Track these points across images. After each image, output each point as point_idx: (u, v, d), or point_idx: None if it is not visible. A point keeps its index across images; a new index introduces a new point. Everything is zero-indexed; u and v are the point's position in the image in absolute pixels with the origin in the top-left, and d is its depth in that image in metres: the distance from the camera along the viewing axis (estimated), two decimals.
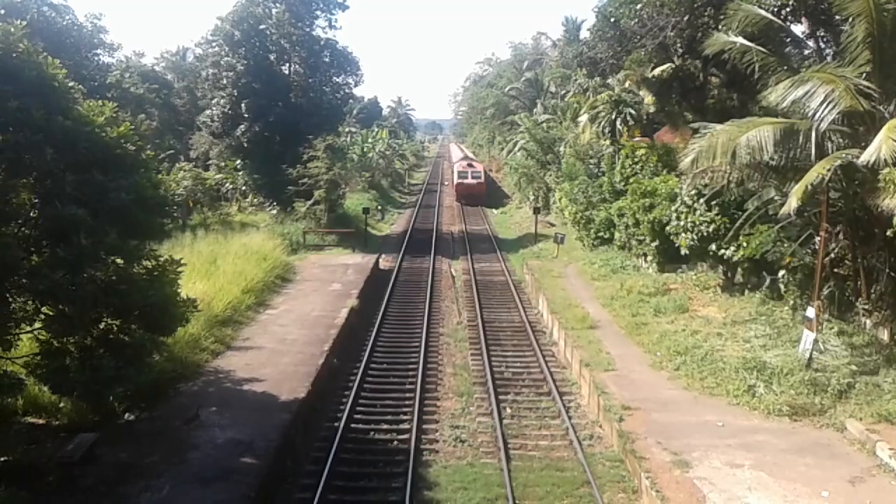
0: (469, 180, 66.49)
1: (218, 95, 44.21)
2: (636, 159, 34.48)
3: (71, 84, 13.96)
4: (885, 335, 19.07)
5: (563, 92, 60.68)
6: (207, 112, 45.81)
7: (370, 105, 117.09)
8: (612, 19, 37.97)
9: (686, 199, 26.13)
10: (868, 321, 19.72)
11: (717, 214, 24.88)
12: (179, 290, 15.37)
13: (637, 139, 37.25)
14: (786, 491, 13.10)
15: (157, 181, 15.61)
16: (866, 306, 19.48)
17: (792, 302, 21.71)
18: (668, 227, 27.66)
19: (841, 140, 18.36)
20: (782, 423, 16.13)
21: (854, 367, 17.80)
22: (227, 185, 48.34)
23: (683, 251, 26.98)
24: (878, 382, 17.13)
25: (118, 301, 13.63)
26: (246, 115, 42.95)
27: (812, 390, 17.02)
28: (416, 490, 14.16)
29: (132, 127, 14.67)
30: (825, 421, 16.06)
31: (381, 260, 36.32)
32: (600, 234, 36.90)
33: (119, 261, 14.09)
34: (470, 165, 69.28)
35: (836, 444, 15.10)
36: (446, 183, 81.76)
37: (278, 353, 20.60)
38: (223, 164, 49.20)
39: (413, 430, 16.69)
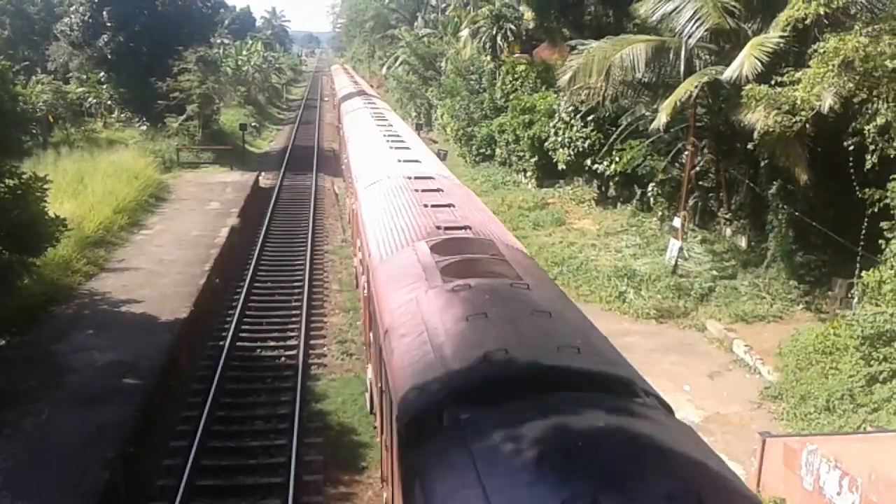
0: None
1: (76, 2, 40.94)
2: (516, 76, 34.83)
3: None
4: (742, 242, 20.57)
5: (444, 5, 59.83)
6: (65, 20, 42.34)
7: (242, 16, 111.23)
8: None
9: (564, 115, 26.78)
10: (728, 230, 21.20)
11: (592, 130, 25.69)
12: (47, 209, 14.62)
13: (517, 55, 37.49)
14: (652, 386, 14.15)
15: (14, 94, 14.60)
16: (727, 216, 20.91)
17: (660, 213, 22.97)
18: (546, 143, 28.36)
19: (708, 57, 19.23)
20: (650, 325, 17.32)
21: (715, 273, 19.25)
22: (91, 99, 45.34)
23: (561, 166, 27.84)
24: (735, 286, 18.61)
25: None
26: (108, 24, 40.03)
27: (677, 295, 18.30)
28: (305, 402, 14.39)
29: None
30: (688, 322, 17.37)
31: (261, 178, 35.46)
32: (482, 150, 37.38)
33: None
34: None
35: (698, 343, 16.40)
36: (326, 98, 78.40)
37: (157, 274, 20.05)
38: (85, 77, 45.99)
39: (301, 346, 16.78)
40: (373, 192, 15.61)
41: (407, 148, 20.96)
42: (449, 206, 12.93)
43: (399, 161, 18.10)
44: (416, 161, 18.38)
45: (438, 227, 11.15)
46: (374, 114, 31.46)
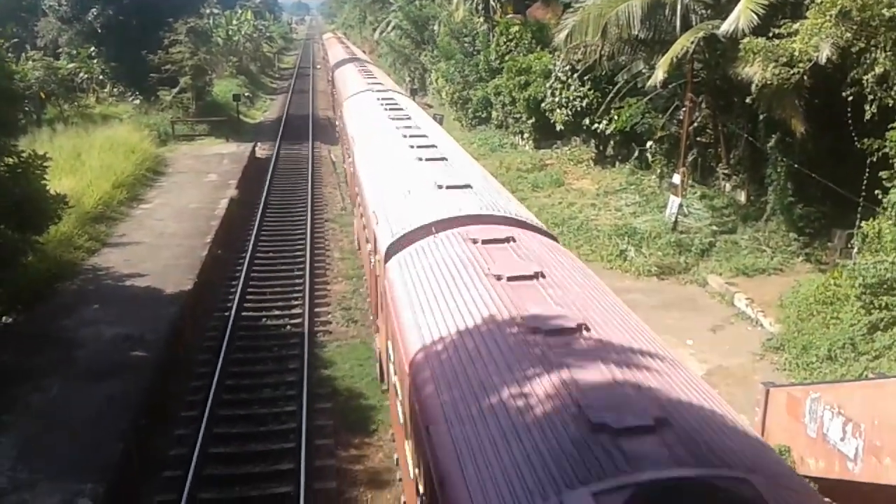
0: None
1: None
2: (510, 36, 34.51)
3: None
4: (742, 197, 20.60)
5: None
6: None
7: None
8: None
9: (560, 75, 26.65)
10: (727, 184, 21.22)
11: (589, 89, 25.60)
12: (48, 186, 14.62)
13: (510, 16, 37.12)
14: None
15: (11, 71, 14.50)
16: (726, 171, 20.92)
17: (659, 170, 22.98)
18: (543, 104, 28.25)
19: (704, 12, 19.08)
20: (651, 282, 17.44)
21: (715, 228, 19.35)
22: (82, 74, 44.94)
23: (558, 127, 27.78)
24: (735, 240, 18.72)
25: None
26: None
27: (678, 251, 18.41)
28: (312, 369, 14.53)
29: None
30: (689, 278, 17.49)
31: (257, 148, 35.33)
32: (478, 113, 37.22)
33: None
34: None
35: (700, 297, 16.53)
36: (319, 66, 77.56)
37: (158, 248, 20.07)
38: (75, 52, 45.51)
39: (305, 314, 16.90)
40: (413, 264, 9.43)
41: (442, 158, 14.31)
42: (580, 329, 6.54)
43: (441, 188, 11.77)
44: (467, 186, 11.87)
45: (595, 426, 5.02)
46: (386, 103, 23.19)
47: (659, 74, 18.23)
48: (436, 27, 48.38)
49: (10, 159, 13.89)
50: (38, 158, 14.31)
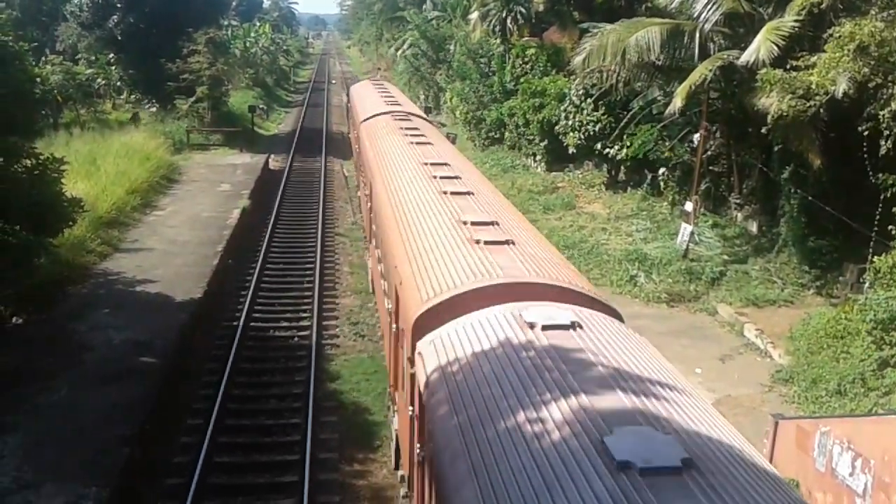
0: None
1: None
2: (526, 59, 34.67)
3: None
4: (753, 227, 20.59)
5: None
6: (75, 1, 42.38)
7: None
8: None
9: (574, 99, 26.75)
10: (739, 214, 21.23)
11: (603, 114, 25.65)
12: (64, 190, 14.73)
13: (527, 39, 37.33)
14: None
15: (33, 74, 14.66)
16: (738, 200, 20.93)
17: (671, 197, 22.99)
18: (556, 127, 28.33)
19: (722, 41, 19.19)
20: (661, 309, 17.41)
21: (726, 257, 19.34)
22: (100, 80, 45.38)
23: (571, 150, 27.83)
24: (746, 270, 18.70)
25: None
26: (118, 5, 40.02)
27: (688, 278, 18.39)
28: (319, 382, 14.53)
29: None
30: (699, 306, 17.46)
31: (270, 160, 35.52)
32: (491, 134, 37.34)
33: None
34: None
35: (709, 326, 16.49)
36: (334, 81, 78.04)
37: (170, 255, 20.17)
38: (94, 58, 45.99)
39: (314, 327, 16.91)
40: (454, 350, 7.08)
41: (486, 217, 10.69)
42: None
43: (479, 243, 9.45)
44: (509, 242, 9.55)
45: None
46: (410, 133, 19.20)
47: (678, 102, 18.29)
48: (452, 47, 48.65)
49: (29, 161, 14.02)
50: (55, 161, 14.44)
